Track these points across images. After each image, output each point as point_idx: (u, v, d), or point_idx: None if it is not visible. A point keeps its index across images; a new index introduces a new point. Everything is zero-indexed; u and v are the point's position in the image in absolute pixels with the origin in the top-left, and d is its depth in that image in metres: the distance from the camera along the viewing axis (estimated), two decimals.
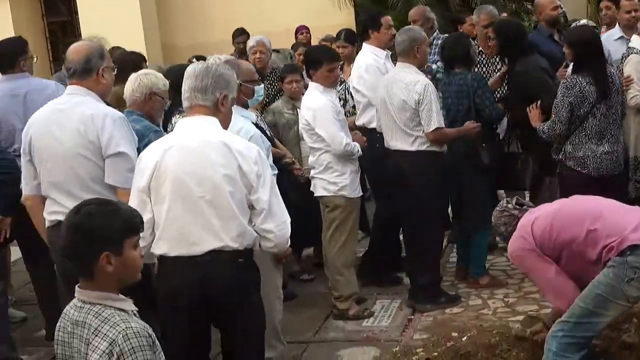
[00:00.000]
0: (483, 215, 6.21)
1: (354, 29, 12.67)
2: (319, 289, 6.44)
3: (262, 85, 5.06)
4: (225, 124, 3.72)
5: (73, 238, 2.62)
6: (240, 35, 10.43)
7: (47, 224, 4.28)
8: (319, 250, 7.09)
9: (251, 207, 3.57)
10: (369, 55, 6.47)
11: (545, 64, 6.11)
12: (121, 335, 2.52)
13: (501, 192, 6.97)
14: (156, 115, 4.66)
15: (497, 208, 4.55)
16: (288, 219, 3.68)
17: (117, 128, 4.05)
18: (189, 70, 3.72)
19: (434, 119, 5.67)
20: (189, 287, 3.55)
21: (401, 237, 6.77)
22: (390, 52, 6.67)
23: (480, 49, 6.60)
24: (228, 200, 3.50)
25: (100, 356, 2.52)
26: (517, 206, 4.45)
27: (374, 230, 6.63)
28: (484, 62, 6.61)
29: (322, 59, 5.62)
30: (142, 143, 4.28)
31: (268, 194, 3.55)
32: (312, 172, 5.79)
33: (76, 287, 2.68)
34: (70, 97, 4.21)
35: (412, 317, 5.83)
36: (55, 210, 4.18)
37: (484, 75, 6.58)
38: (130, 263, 2.68)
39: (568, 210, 4.22)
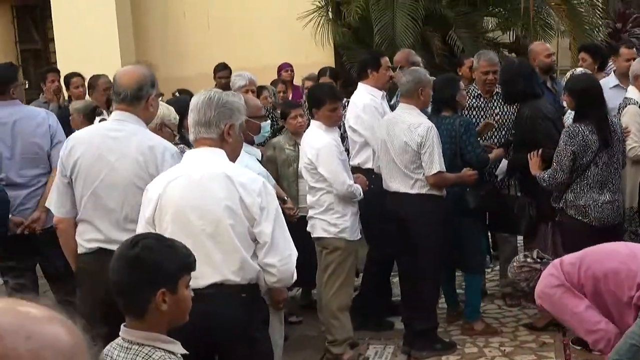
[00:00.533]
0: (475, 259, 6.21)
1: (333, 66, 12.73)
2: (308, 332, 6.28)
3: (269, 121, 4.95)
4: (234, 153, 3.66)
5: (130, 272, 2.55)
6: (223, 70, 10.31)
7: (81, 250, 4.15)
8: (306, 291, 6.97)
9: (255, 240, 3.48)
10: (366, 95, 6.39)
11: (550, 111, 6.08)
12: None
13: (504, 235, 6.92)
14: None
15: (515, 264, 4.45)
16: (294, 254, 3.56)
17: (175, 161, 3.96)
18: (193, 102, 3.67)
19: (436, 163, 5.60)
20: (191, 320, 3.42)
21: (393, 280, 6.72)
22: (385, 93, 6.64)
23: (479, 91, 6.57)
24: (229, 233, 3.43)
25: None
26: (538, 259, 4.34)
27: (366, 273, 6.51)
28: (482, 106, 6.58)
29: (325, 98, 5.52)
30: None
31: (271, 227, 3.45)
32: (310, 212, 5.66)
33: (122, 326, 2.60)
34: (120, 123, 4.09)
35: None
36: (94, 238, 4.08)
37: (482, 120, 6.54)
38: (183, 303, 2.60)
39: (599, 248, 4.13)
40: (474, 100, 6.58)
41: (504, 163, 6.37)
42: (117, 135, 4.09)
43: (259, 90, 8.79)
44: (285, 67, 10.91)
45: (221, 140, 3.57)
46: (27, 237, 5.46)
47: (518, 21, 12.04)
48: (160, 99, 4.36)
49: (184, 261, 2.62)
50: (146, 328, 2.54)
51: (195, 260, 2.68)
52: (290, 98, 9.79)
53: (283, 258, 3.48)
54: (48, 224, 5.56)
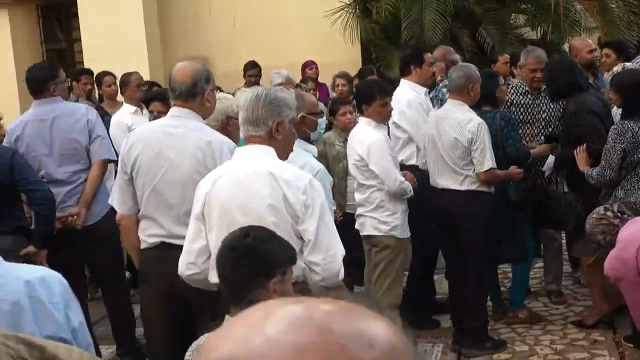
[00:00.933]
0: (519, 250, 6.16)
1: (359, 65, 12.66)
2: None
3: (325, 117, 4.90)
4: (284, 150, 3.62)
5: (243, 262, 2.60)
6: (252, 68, 10.28)
7: (144, 245, 4.18)
8: (350, 290, 6.91)
9: (301, 238, 3.45)
10: (410, 92, 6.32)
11: (596, 104, 6.00)
12: None
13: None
14: (235, 137, 4.55)
15: (594, 215, 4.31)
16: (340, 252, 3.51)
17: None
18: (242, 100, 3.68)
19: (488, 159, 5.53)
20: None
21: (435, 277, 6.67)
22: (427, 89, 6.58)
23: (526, 88, 6.49)
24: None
25: None
26: (619, 214, 4.23)
27: (411, 270, 6.43)
28: (530, 103, 6.50)
29: (375, 94, 5.45)
30: None
31: (315, 224, 3.41)
32: (359, 210, 5.60)
33: (227, 316, 2.65)
34: (178, 120, 4.11)
35: None
36: (156, 233, 4.12)
37: (529, 117, 6.48)
38: (288, 294, 2.63)
39: None
40: (521, 98, 6.50)
41: (551, 159, 6.30)
42: (175, 131, 4.11)
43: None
44: (309, 65, 10.84)
45: (270, 137, 3.55)
46: (68, 233, 5.42)
47: (547, 18, 11.96)
48: (217, 91, 4.32)
49: (290, 253, 2.71)
50: None
51: (296, 254, 2.75)
52: (317, 96, 9.74)
53: (327, 256, 3.44)
54: (89, 220, 5.54)
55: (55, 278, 2.23)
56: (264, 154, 3.52)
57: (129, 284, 6.27)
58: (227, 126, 4.48)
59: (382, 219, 5.47)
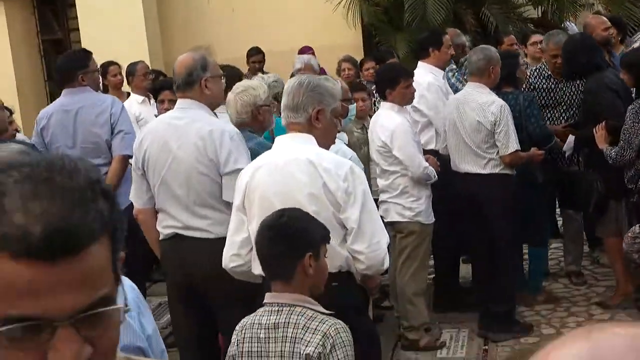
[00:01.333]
0: (540, 232, 6.11)
1: (361, 48, 12.54)
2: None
3: (354, 104, 4.84)
4: (324, 139, 3.57)
5: (280, 238, 2.78)
6: (256, 54, 10.19)
7: (160, 237, 4.22)
8: None
9: (343, 226, 3.39)
10: (428, 74, 6.22)
11: (614, 82, 5.93)
12: (333, 329, 2.69)
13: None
14: (267, 124, 4.51)
15: (629, 234, 4.32)
16: (384, 240, 3.46)
17: (234, 145, 3.99)
18: (285, 87, 3.66)
19: (512, 142, 5.47)
20: None
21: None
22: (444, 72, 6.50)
23: (549, 72, 6.43)
24: None
25: (316, 347, 2.67)
26: None
27: (435, 256, 6.35)
28: (552, 87, 6.43)
29: (399, 76, 5.39)
30: None
31: (358, 212, 3.36)
32: (382, 196, 5.52)
33: (266, 294, 2.84)
34: (182, 111, 4.13)
35: (487, 347, 5.58)
36: (170, 225, 4.14)
37: (551, 102, 6.42)
38: (323, 269, 2.86)
39: None
40: (543, 81, 6.45)
41: (571, 139, 6.22)
42: (179, 123, 4.12)
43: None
44: (306, 51, 10.69)
45: (309, 125, 3.51)
46: None
47: None
48: (223, 80, 4.26)
49: (324, 232, 2.89)
50: (292, 291, 2.78)
51: (329, 233, 2.90)
52: None
53: (371, 244, 3.39)
54: None
55: (126, 285, 2.14)
56: (304, 142, 3.47)
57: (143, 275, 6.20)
58: (258, 115, 4.43)
59: (407, 205, 5.41)
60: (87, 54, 5.66)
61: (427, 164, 5.36)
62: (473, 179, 5.62)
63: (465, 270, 6.55)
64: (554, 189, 6.36)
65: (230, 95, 4.49)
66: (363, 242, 3.36)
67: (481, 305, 5.80)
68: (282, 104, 3.57)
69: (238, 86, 4.50)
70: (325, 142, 3.56)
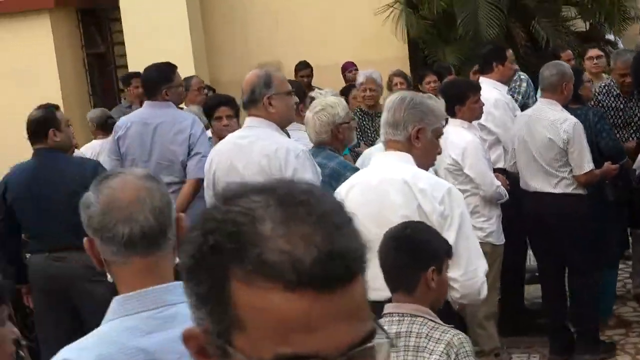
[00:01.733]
0: (612, 252, 5.92)
1: (407, 62, 12.37)
2: None
3: None
4: (424, 159, 3.44)
5: (403, 250, 2.78)
6: (305, 68, 10.06)
7: None
8: None
9: None
10: (493, 90, 6.03)
11: None
12: (456, 339, 2.68)
13: None
14: (350, 140, 4.39)
15: None
16: (482, 267, 3.30)
17: (300, 162, 3.90)
18: (386, 102, 3.57)
19: (587, 161, 5.28)
20: None
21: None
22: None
23: (618, 91, 6.26)
24: None
25: (440, 356, 2.65)
26: None
27: (502, 278, 6.14)
28: (621, 107, 6.27)
29: (468, 91, 5.24)
30: (339, 183, 3.90)
31: (454, 236, 3.20)
32: None
33: (387, 305, 2.82)
34: (249, 129, 4.11)
35: None
36: None
37: (620, 121, 6.25)
38: (444, 284, 2.83)
39: None
40: (612, 100, 6.30)
41: None
42: (242, 142, 4.08)
43: (349, 90, 8.51)
44: (349, 68, 10.56)
45: (409, 143, 3.37)
46: None
47: (599, 9, 11.68)
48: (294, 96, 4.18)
49: (447, 247, 2.85)
50: (414, 302, 2.76)
51: (452, 248, 2.87)
52: None
53: (467, 272, 3.23)
54: None
55: None
56: (401, 161, 3.35)
57: None
58: (338, 134, 4.30)
59: (478, 225, 5.20)
60: (172, 68, 5.53)
61: (499, 183, 5.19)
62: (543, 197, 5.45)
63: (526, 291, 6.35)
64: (624, 208, 6.15)
65: (308, 114, 4.38)
66: (459, 269, 3.20)
67: (553, 328, 5.59)
68: (381, 120, 3.48)
69: (316, 105, 4.39)
70: (425, 162, 3.45)
